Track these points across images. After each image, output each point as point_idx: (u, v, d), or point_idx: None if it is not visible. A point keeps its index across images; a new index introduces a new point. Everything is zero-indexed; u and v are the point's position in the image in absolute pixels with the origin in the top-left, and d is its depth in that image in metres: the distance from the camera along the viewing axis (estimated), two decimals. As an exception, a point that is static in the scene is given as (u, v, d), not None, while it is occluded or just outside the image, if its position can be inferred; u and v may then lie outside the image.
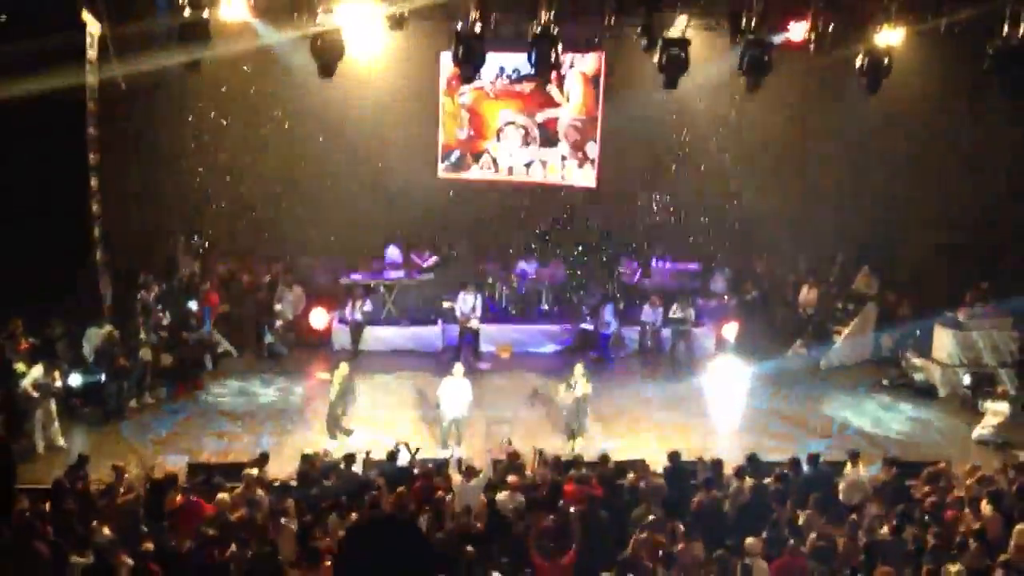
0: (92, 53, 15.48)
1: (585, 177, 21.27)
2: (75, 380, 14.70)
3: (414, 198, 20.72)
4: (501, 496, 10.92)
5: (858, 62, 14.60)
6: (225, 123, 19.76)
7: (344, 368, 14.45)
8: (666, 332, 18.77)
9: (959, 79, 16.66)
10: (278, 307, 18.36)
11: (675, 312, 18.49)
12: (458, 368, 14.25)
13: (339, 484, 11.40)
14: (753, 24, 14.54)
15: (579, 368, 14.63)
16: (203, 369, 16.89)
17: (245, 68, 19.08)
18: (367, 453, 12.53)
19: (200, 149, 19.78)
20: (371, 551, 2.48)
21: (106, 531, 9.80)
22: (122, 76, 15.68)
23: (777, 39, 16.19)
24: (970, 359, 17.04)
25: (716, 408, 16.46)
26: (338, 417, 14.22)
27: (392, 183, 20.63)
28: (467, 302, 18.09)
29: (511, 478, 11.26)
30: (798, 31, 16.29)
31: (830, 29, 15.64)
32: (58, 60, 14.04)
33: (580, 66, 20.66)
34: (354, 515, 10.27)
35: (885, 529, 10.47)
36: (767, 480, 11.66)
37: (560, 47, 13.79)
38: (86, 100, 15.42)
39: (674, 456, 12.29)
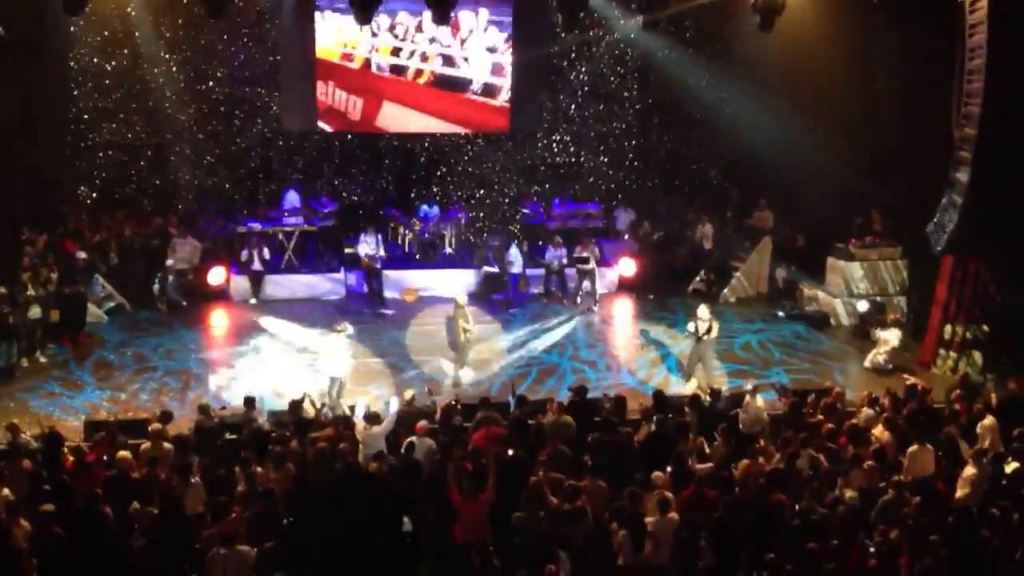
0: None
1: (495, 120, 21.03)
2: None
3: (311, 142, 20.39)
4: (412, 441, 10.93)
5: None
6: (109, 68, 18.97)
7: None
8: (570, 272, 18.89)
9: (852, 15, 16.93)
10: (169, 262, 17.78)
11: (579, 252, 18.62)
12: (347, 326, 13.94)
13: (244, 436, 11.27)
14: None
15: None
16: (91, 324, 16.33)
17: (130, 10, 18.26)
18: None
19: (84, 96, 18.97)
20: (344, 512, 2.47)
21: (5, 492, 9.51)
22: (1, 23, 14.86)
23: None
24: (861, 289, 17.60)
25: (629, 346, 16.70)
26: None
27: (287, 127, 20.20)
28: (369, 243, 17.89)
29: (420, 424, 11.25)
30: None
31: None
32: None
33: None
34: (258, 468, 10.17)
35: (779, 456, 10.81)
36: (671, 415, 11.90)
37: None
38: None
39: (580, 391, 12.46)
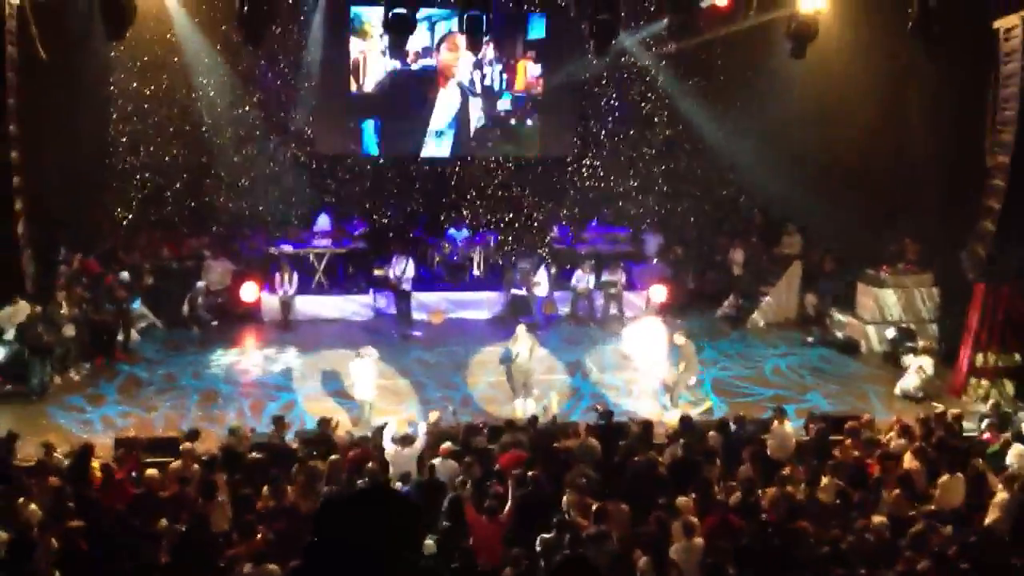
0: (12, 23, 14.89)
1: (527, 145, 21.20)
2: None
3: (343, 166, 20.61)
4: (435, 462, 10.98)
5: (784, 27, 14.74)
6: (147, 92, 19.29)
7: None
8: (598, 296, 18.92)
9: (881, 40, 16.88)
10: (201, 283, 17.93)
11: (606, 275, 18.65)
12: (370, 350, 13.91)
13: (271, 455, 11.35)
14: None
15: (521, 329, 14.74)
16: (124, 343, 16.52)
17: (169, 36, 18.59)
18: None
19: (122, 119, 19.32)
20: (360, 524, 2.55)
21: (33, 507, 9.63)
22: (42, 46, 15.14)
23: (703, 3, 16.44)
24: (894, 315, 17.42)
25: (653, 371, 16.45)
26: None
27: (320, 151, 20.46)
28: (398, 266, 18.02)
29: (444, 446, 11.29)
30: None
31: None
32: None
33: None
34: (289, 488, 10.23)
35: (807, 485, 10.71)
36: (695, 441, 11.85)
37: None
38: (5, 71, 14.86)
39: (606, 416, 12.45)
